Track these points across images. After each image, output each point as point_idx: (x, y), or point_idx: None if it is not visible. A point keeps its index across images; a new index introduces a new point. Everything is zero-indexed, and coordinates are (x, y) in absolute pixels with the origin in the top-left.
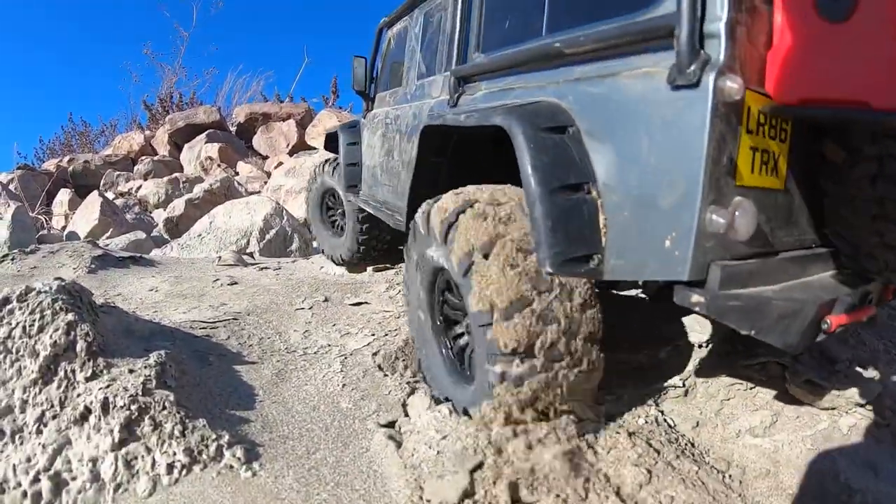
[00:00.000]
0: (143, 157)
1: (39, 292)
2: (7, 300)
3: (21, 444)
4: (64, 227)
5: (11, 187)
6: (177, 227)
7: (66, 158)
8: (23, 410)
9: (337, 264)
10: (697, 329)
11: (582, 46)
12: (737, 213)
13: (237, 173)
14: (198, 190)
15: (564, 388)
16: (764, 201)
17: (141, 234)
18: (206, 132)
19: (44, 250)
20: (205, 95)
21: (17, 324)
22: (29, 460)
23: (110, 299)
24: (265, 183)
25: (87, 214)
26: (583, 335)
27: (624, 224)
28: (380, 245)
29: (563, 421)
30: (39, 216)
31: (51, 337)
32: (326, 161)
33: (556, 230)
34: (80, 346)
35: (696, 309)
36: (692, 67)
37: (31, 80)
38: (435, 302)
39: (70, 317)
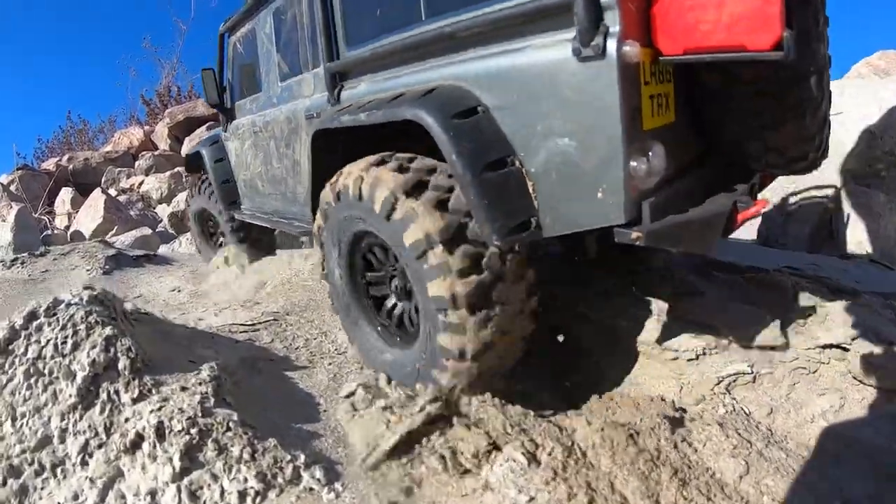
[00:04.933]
0: (144, 153)
1: (69, 304)
2: (34, 315)
3: (65, 478)
4: (68, 227)
5: (13, 188)
6: (182, 222)
7: (66, 157)
8: (62, 440)
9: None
10: (757, 316)
11: (475, 29)
12: (651, 155)
13: None
14: None
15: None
16: (665, 136)
17: (147, 230)
18: (206, 125)
19: (54, 252)
20: None
21: (48, 341)
22: (76, 497)
23: (131, 302)
24: None
25: (92, 213)
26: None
27: (553, 185)
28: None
29: None
30: (42, 216)
31: (88, 355)
32: (196, 180)
33: (492, 207)
34: (123, 363)
35: (637, 243)
36: (596, 40)
37: (26, 80)
38: (357, 275)
39: (108, 331)
